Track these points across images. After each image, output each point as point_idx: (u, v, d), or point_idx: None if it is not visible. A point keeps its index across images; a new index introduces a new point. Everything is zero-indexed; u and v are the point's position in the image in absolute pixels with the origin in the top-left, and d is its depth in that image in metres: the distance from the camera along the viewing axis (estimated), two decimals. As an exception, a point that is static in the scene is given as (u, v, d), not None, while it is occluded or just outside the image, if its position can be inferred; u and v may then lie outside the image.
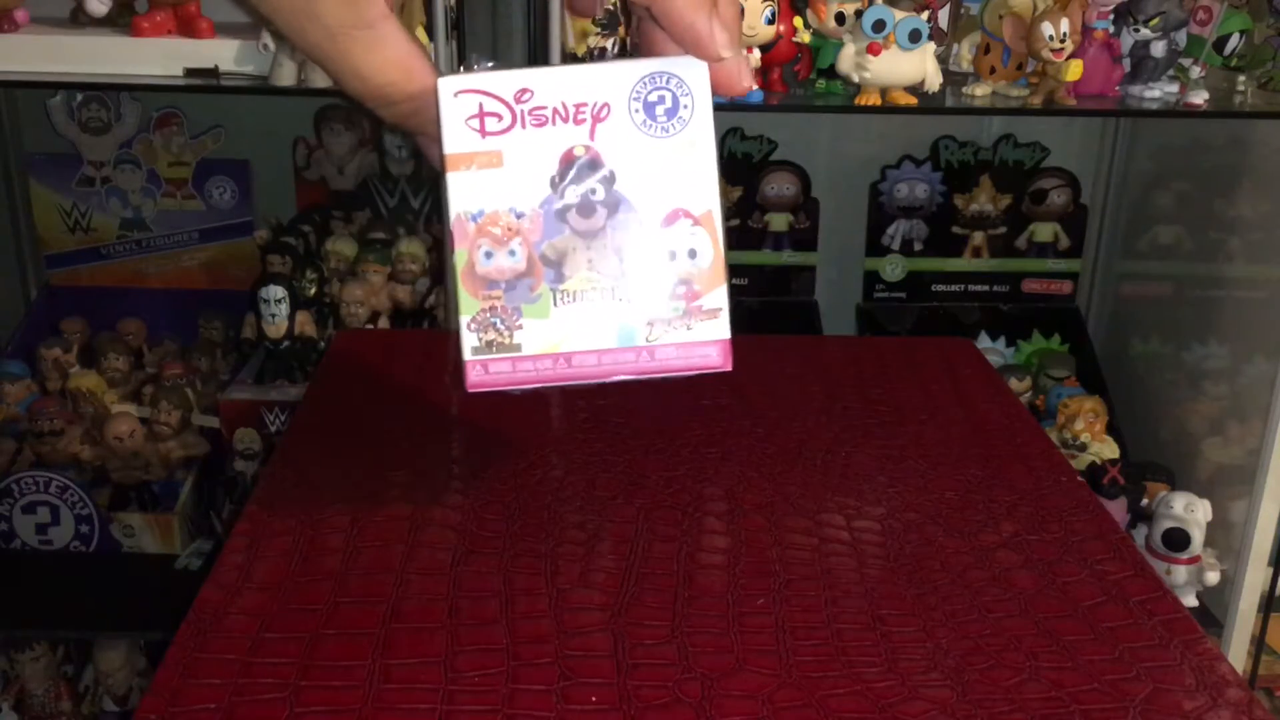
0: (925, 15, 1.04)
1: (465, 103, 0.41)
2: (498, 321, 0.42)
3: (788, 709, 0.41)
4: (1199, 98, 1.07)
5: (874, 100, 1.04)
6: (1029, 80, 1.08)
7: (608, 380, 0.42)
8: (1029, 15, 1.06)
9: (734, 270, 1.44)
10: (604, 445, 0.60)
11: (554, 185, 0.41)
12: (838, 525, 0.53)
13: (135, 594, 1.14)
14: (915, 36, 1.01)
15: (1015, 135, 1.45)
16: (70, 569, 1.17)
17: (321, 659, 0.43)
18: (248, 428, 1.16)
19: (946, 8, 1.16)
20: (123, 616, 1.15)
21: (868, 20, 1.01)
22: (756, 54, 1.04)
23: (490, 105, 0.41)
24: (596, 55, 1.09)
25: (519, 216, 0.41)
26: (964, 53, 1.16)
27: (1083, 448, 1.25)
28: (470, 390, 0.42)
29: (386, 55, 0.40)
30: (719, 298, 0.42)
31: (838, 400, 0.67)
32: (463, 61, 0.99)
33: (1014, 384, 1.34)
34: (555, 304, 0.42)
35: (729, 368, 0.42)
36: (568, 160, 0.41)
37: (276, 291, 1.16)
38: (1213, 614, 1.23)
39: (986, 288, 1.49)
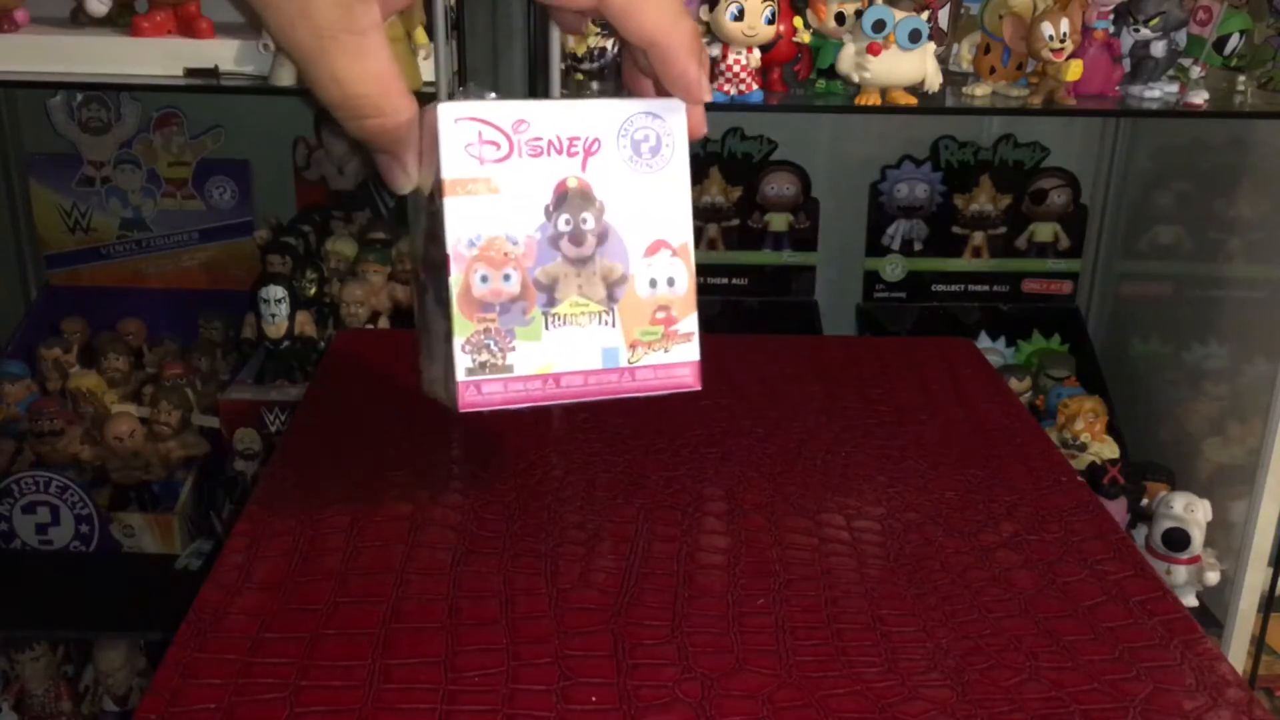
0: (925, 15, 1.04)
1: (465, 130, 0.42)
2: (491, 343, 0.43)
3: (788, 709, 0.41)
4: (1199, 98, 1.07)
5: (874, 100, 1.04)
6: (1029, 80, 1.08)
7: (591, 400, 0.45)
8: (1029, 15, 1.06)
9: (734, 270, 1.44)
10: (604, 445, 0.60)
11: (548, 214, 0.43)
12: (838, 525, 0.53)
13: (135, 594, 1.14)
14: (915, 36, 1.01)
15: (1015, 135, 1.45)
16: (70, 569, 1.17)
17: (321, 659, 0.43)
18: (248, 428, 1.16)
19: (946, 8, 1.16)
20: (123, 616, 1.14)
21: (868, 20, 1.01)
22: (757, 54, 1.03)
23: (489, 134, 0.42)
24: (597, 55, 1.09)
25: (514, 243, 0.43)
26: (964, 53, 1.16)
27: (1083, 448, 1.25)
28: (462, 411, 0.43)
29: (368, 66, 0.40)
30: (692, 323, 0.46)
31: (838, 400, 0.67)
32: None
33: (1014, 384, 1.34)
34: (547, 327, 0.44)
35: (699, 387, 0.46)
36: (561, 190, 0.43)
37: (276, 291, 1.16)
38: (1213, 614, 1.23)
39: (986, 288, 1.49)
